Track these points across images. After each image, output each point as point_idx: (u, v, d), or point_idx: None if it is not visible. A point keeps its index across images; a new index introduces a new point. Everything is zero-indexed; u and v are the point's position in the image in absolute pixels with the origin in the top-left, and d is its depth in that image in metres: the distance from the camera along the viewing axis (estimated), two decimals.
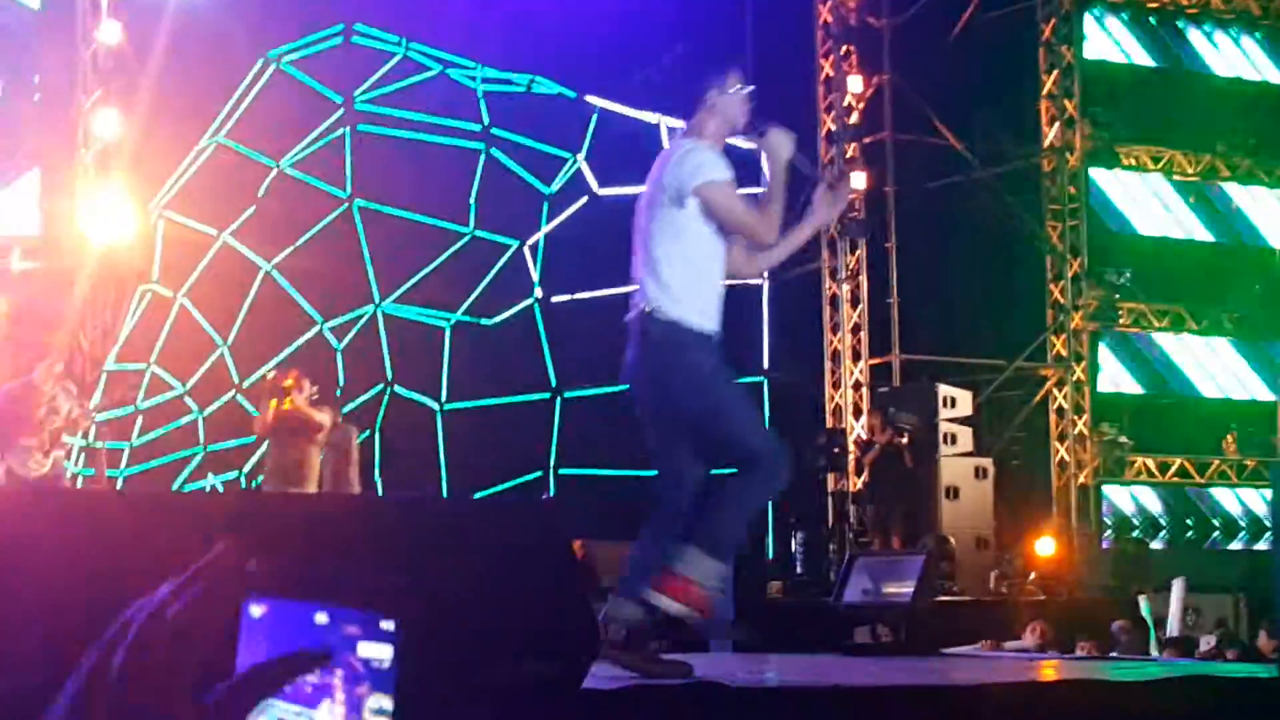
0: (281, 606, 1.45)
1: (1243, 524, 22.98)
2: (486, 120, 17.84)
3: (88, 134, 15.57)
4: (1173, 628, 11.03)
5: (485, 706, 3.42)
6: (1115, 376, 22.62)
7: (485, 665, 3.47)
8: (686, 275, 6.29)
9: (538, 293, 17.74)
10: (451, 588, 3.51)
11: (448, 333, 17.35)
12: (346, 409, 15.43)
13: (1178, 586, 11.12)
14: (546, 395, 17.54)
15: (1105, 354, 22.48)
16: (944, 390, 19.02)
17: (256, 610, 1.45)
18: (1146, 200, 23.03)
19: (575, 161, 18.13)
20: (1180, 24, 23.45)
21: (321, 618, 1.44)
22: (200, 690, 1.31)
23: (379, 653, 1.43)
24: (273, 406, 14.34)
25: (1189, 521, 23.18)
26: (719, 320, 6.34)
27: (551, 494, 17.03)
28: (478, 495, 14.42)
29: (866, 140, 20.89)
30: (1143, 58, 23.21)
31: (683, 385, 6.25)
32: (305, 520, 4.27)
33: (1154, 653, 11.45)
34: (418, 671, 1.31)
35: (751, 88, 6.59)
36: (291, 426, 14.31)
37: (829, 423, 20.36)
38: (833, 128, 20.78)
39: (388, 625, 1.44)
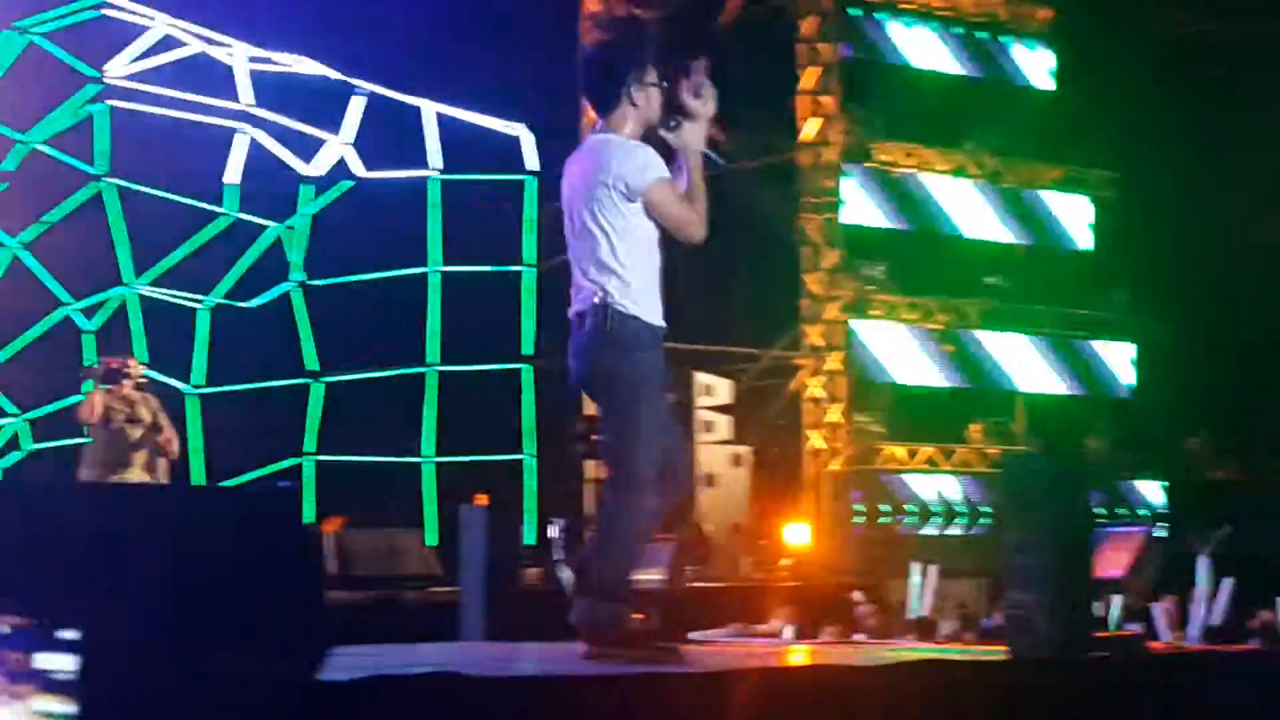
0: None
1: (984, 511, 23.60)
2: (247, 100, 17.58)
3: None
4: (917, 611, 11.29)
5: (208, 699, 3.43)
6: (870, 366, 23.07)
7: (214, 657, 3.47)
8: (641, 271, 6.50)
9: (298, 276, 17.55)
10: (173, 580, 3.51)
11: (204, 315, 17.10)
12: (88, 388, 15.05)
13: (915, 570, 11.39)
14: (306, 380, 17.37)
15: (859, 344, 22.91)
16: (702, 378, 19.25)
17: None
18: (899, 196, 23.50)
19: (338, 144, 17.95)
20: (933, 28, 23.97)
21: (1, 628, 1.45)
22: None
23: (58, 662, 1.45)
24: (100, 393, 14.22)
25: (935, 510, 23.74)
26: (653, 312, 6.57)
27: (307, 480, 16.90)
28: (232, 481, 14.25)
29: None
30: (897, 57, 23.67)
31: (613, 378, 6.47)
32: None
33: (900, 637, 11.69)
34: (110, 675, 1.35)
35: (665, 84, 6.61)
36: (121, 415, 14.19)
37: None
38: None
39: (69, 635, 1.46)
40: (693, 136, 6.58)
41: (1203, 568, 9.00)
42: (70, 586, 3.18)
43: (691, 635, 9.58)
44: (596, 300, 6.45)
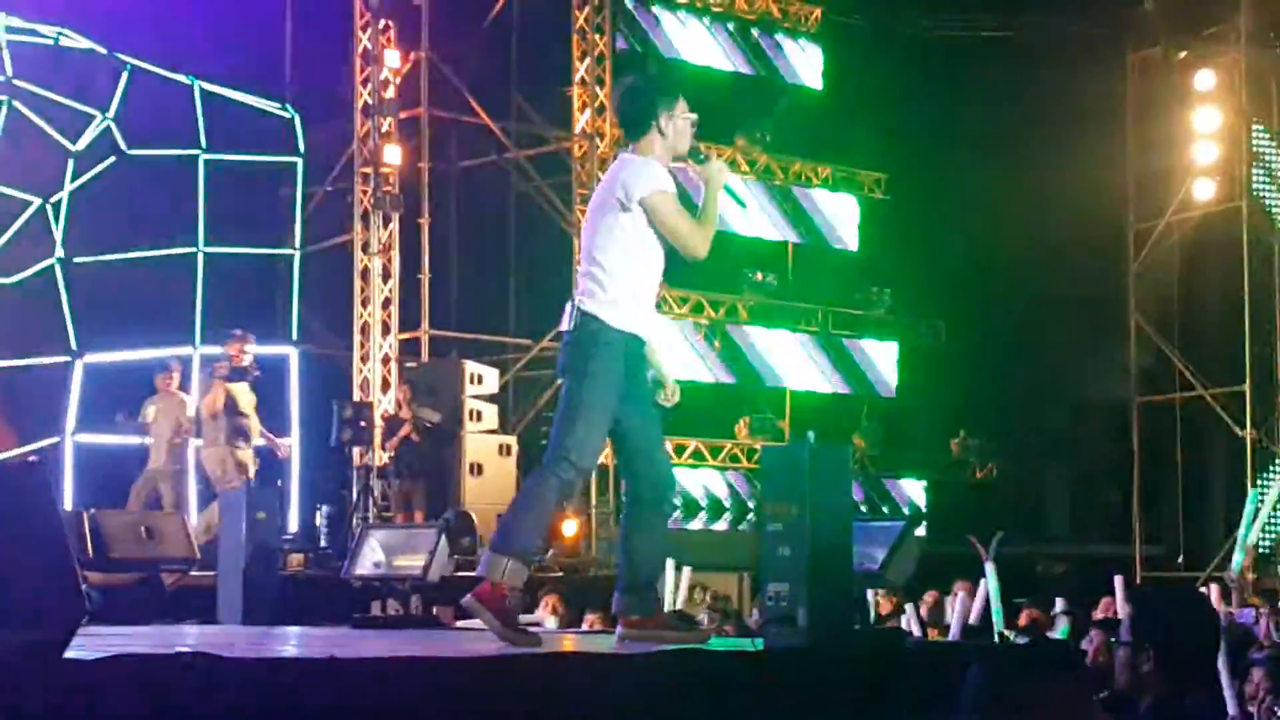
0: None
1: (749, 507, 23.91)
2: (9, 71, 17.15)
3: None
4: (670, 606, 11.42)
5: None
6: None
7: None
8: (621, 279, 6.79)
9: (59, 252, 17.16)
10: None
11: None
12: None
13: (669, 567, 11.53)
14: (67, 358, 17.00)
15: None
16: (471, 367, 19.21)
17: None
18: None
19: (104, 119, 17.60)
20: (705, 21, 24.20)
21: None
22: None
23: None
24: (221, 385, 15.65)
25: (700, 505, 23.98)
26: (643, 323, 6.89)
27: (67, 460, 16.55)
28: None
29: (402, 116, 20.88)
30: (671, 50, 23.85)
31: (574, 368, 6.81)
32: None
33: None
34: None
35: (695, 116, 7.06)
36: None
37: (357, 396, 20.30)
38: (369, 101, 20.71)
39: None
40: (716, 171, 6.90)
41: (989, 570, 9.28)
42: None
43: (458, 624, 9.56)
44: (574, 299, 6.86)
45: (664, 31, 23.92)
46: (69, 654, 4.12)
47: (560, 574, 17.23)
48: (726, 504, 24.17)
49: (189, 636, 6.56)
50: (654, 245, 6.94)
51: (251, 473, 15.91)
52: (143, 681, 4.31)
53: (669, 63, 23.48)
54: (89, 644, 4.41)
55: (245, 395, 15.97)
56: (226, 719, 4.41)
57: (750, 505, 23.95)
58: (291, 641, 6.67)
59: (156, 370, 16.35)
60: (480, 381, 19.20)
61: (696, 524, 23.73)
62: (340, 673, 4.93)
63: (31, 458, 14.04)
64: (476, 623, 9.84)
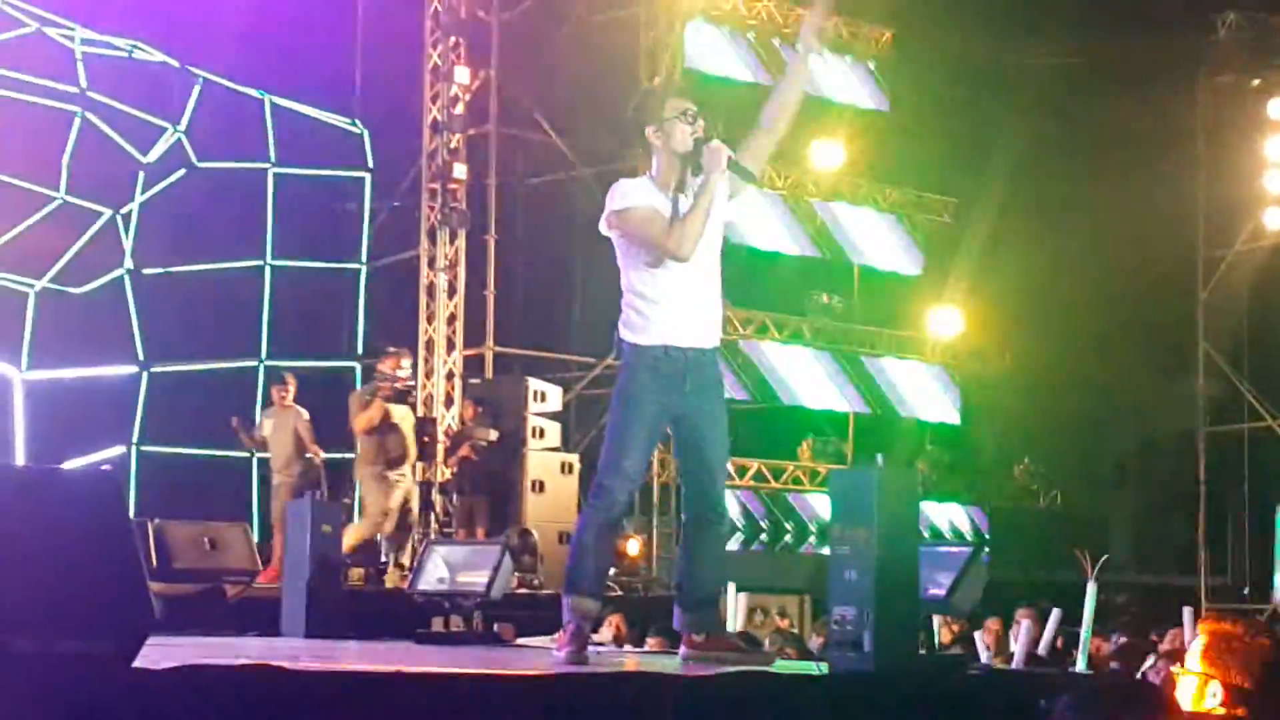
0: None
1: (813, 528, 23.79)
2: (84, 83, 17.29)
3: None
4: (732, 626, 11.38)
5: (18, 679, 3.34)
6: None
7: (31, 638, 3.39)
8: (638, 295, 6.96)
9: (129, 263, 17.28)
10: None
11: (32, 299, 16.78)
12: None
13: (731, 590, 11.49)
14: (134, 369, 17.11)
15: None
16: (534, 384, 19.21)
17: None
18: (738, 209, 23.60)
19: (175, 132, 17.72)
20: (776, 43, 24.14)
21: None
22: None
23: None
24: (380, 404, 15.51)
25: (763, 524, 23.90)
26: (681, 331, 6.93)
27: (131, 470, 16.65)
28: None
29: (471, 133, 20.95)
30: (742, 73, 23.80)
31: (613, 394, 7.09)
32: None
33: None
34: None
35: (687, 105, 7.09)
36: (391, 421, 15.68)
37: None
38: (438, 117, 20.78)
39: None
40: (709, 156, 6.91)
41: (1091, 591, 9.19)
42: None
43: (521, 640, 9.56)
44: None
45: (730, 54, 23.90)
46: (137, 663, 4.13)
47: (622, 593, 17.19)
48: (788, 526, 24.09)
49: (254, 648, 6.57)
50: (647, 256, 6.92)
51: (402, 494, 16.08)
52: (209, 692, 4.32)
53: (732, 84, 23.44)
54: (155, 654, 4.41)
55: (403, 416, 16.03)
56: None
57: (764, 526, 23.85)
58: (355, 655, 6.67)
59: (273, 382, 16.19)
60: (543, 399, 19.19)
61: (759, 545, 23.65)
62: (406, 687, 4.92)
63: (105, 466, 14.09)
64: (539, 640, 9.85)
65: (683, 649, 6.98)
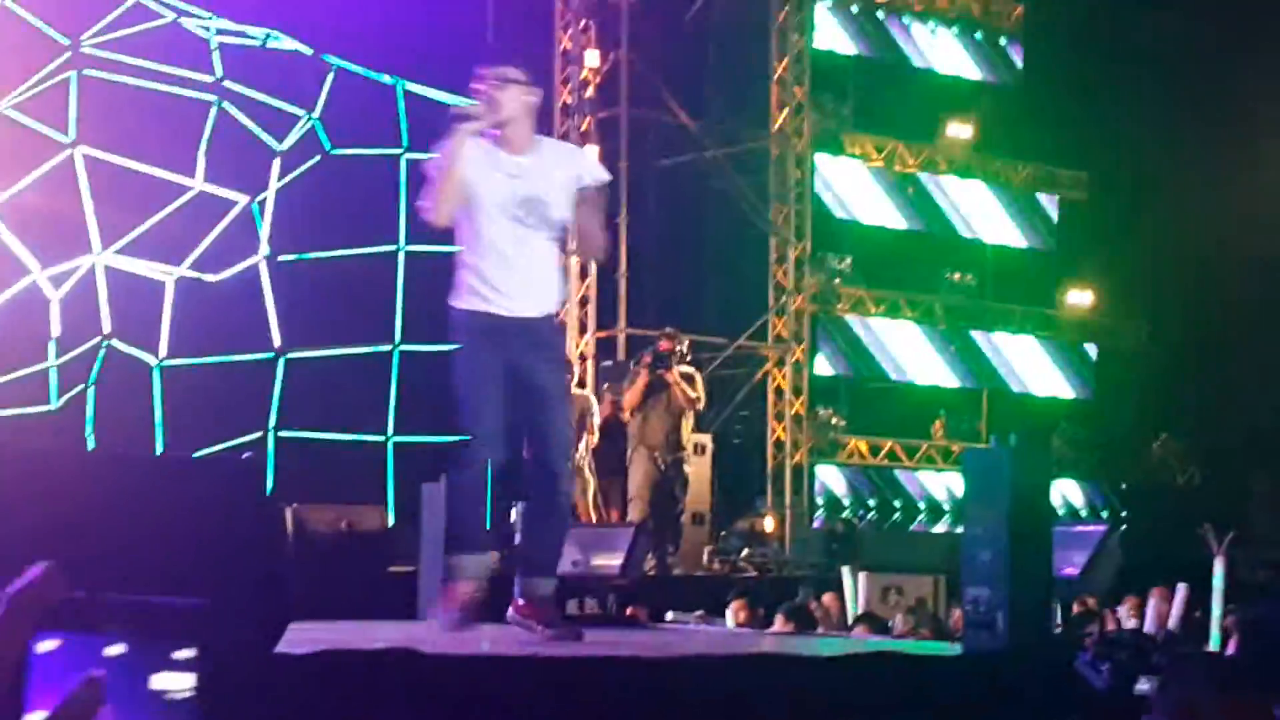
0: (74, 641, 1.35)
1: (946, 508, 23.67)
2: (219, 72, 17.53)
3: None
4: (854, 610, 11.40)
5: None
6: (832, 359, 23.12)
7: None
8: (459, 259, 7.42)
9: (264, 250, 17.50)
10: (144, 546, 3.50)
11: (170, 287, 17.03)
12: (62, 360, 15.23)
13: (846, 573, 11.48)
14: (270, 355, 17.32)
15: (824, 337, 22.97)
16: None
17: (47, 645, 1.35)
18: (868, 189, 23.56)
19: (309, 119, 17.90)
20: (906, 20, 24.01)
21: (115, 650, 1.36)
22: None
23: (174, 683, 1.36)
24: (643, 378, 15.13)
25: (895, 503, 23.82)
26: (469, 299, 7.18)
27: (268, 455, 16.84)
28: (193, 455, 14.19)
29: (601, 115, 21.02)
30: (869, 50, 23.71)
31: None
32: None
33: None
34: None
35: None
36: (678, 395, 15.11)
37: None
38: (569, 101, 20.87)
39: (185, 654, 1.39)
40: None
41: (1219, 567, 9.11)
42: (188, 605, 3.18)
43: (653, 623, 9.61)
44: None
45: (856, 31, 23.80)
46: (279, 649, 4.20)
47: (756, 573, 17.20)
48: (920, 505, 23.98)
49: (391, 632, 6.66)
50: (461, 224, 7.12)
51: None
52: (349, 677, 4.39)
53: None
54: (296, 639, 4.48)
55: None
56: (429, 715, 4.47)
57: (872, 504, 23.74)
58: (491, 638, 6.74)
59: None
60: None
61: (891, 524, 23.57)
62: (542, 669, 4.97)
63: (245, 453, 14.30)
64: (678, 622, 9.89)
65: (509, 612, 7.04)
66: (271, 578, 4.34)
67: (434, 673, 4.64)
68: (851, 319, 23.03)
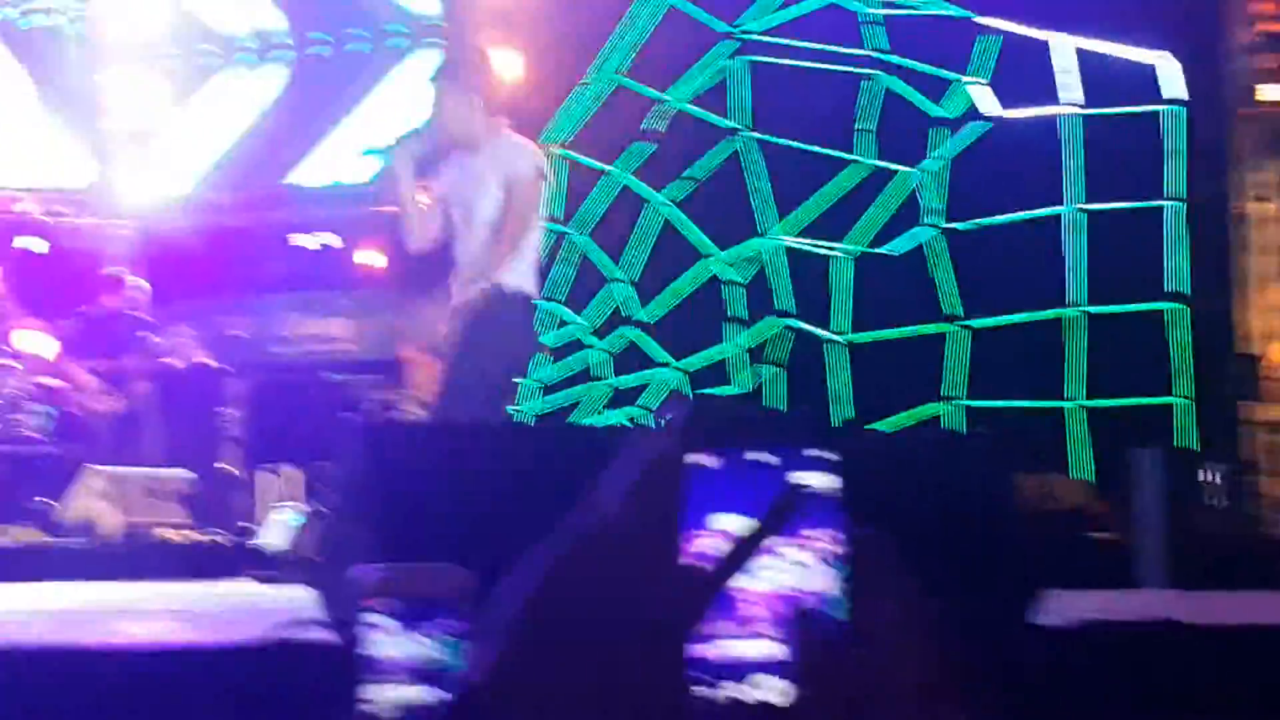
0: (732, 456, 1.45)
1: None
2: (876, 44, 17.47)
3: None
4: None
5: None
6: None
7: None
8: None
9: (938, 221, 17.38)
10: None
11: (847, 263, 17.11)
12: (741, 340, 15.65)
13: None
14: (951, 326, 17.19)
15: None
16: None
17: (711, 462, 1.43)
18: None
19: (968, 84, 17.61)
20: None
21: (769, 459, 1.39)
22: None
23: (823, 481, 1.33)
24: None
25: None
26: None
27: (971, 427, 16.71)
28: (878, 425, 14.31)
29: None
30: None
31: None
32: None
33: None
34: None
35: None
36: None
37: (1239, 348, 19.56)
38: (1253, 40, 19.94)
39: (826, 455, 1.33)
40: None
41: None
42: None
43: None
44: None
45: None
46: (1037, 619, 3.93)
47: None
48: None
49: (1135, 602, 6.28)
50: None
51: None
52: (1111, 647, 4.07)
53: None
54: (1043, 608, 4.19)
55: None
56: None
57: None
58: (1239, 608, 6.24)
59: None
60: None
61: None
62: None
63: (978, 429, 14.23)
64: None
65: None
66: (1019, 548, 4.08)
67: (1199, 645, 4.24)
68: None
